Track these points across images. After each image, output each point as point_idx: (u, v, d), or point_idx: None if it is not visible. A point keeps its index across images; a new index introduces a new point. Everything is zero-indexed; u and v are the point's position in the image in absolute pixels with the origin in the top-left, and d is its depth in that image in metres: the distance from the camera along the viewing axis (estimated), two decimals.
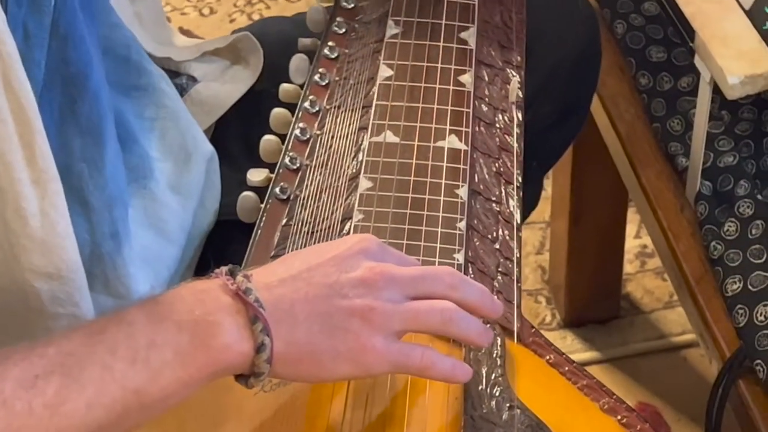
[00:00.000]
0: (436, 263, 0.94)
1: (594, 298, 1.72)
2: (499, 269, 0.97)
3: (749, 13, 1.15)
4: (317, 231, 0.98)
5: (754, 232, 1.21)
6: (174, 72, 1.11)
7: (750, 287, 1.17)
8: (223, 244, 1.07)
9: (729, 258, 1.20)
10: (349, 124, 1.05)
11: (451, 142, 1.02)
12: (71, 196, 0.84)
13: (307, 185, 1.02)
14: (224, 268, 0.82)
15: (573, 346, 1.70)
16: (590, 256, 1.67)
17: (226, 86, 1.13)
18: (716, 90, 1.16)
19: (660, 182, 1.29)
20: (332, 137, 1.05)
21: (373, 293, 0.82)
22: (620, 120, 1.35)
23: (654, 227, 1.29)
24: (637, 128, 1.33)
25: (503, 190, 1.02)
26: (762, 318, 1.15)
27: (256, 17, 2.14)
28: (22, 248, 0.82)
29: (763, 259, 1.18)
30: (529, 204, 1.26)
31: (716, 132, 1.27)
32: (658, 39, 1.36)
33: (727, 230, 1.22)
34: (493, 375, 0.89)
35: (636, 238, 1.81)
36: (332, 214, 0.99)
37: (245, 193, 1.03)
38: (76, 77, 0.87)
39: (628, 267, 1.77)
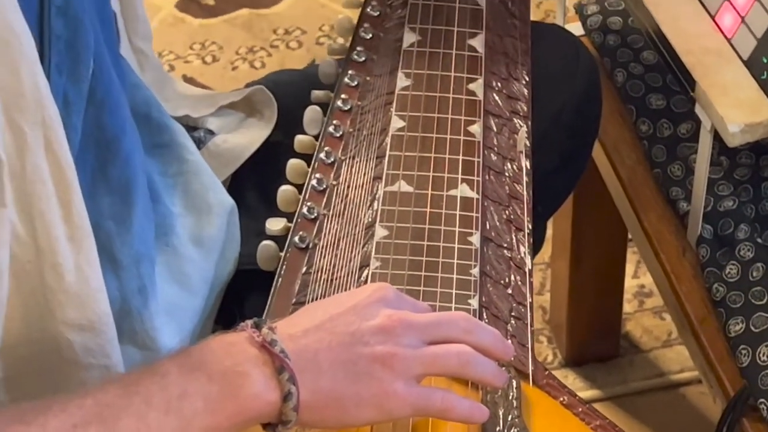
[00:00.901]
0: (452, 308, 0.97)
1: (594, 337, 1.75)
2: (513, 314, 1.00)
3: (747, 64, 1.18)
4: (336, 278, 1.02)
5: (755, 274, 1.24)
6: (191, 126, 1.15)
7: (752, 328, 1.20)
8: (241, 293, 1.10)
9: (731, 300, 1.23)
10: (364, 174, 1.09)
11: (463, 190, 1.06)
12: (101, 253, 0.87)
13: (325, 234, 1.05)
14: (249, 321, 0.85)
15: (574, 385, 1.73)
16: (590, 296, 1.70)
17: (242, 138, 1.16)
18: (715, 137, 1.20)
19: (662, 226, 1.32)
20: (348, 187, 1.08)
21: (393, 340, 0.86)
22: (622, 166, 1.38)
23: (657, 270, 1.32)
24: (638, 173, 1.37)
25: (514, 237, 1.05)
26: (765, 358, 1.18)
27: (257, 65, 2.17)
28: (57, 302, 0.84)
29: (765, 300, 1.22)
30: (534, 246, 1.29)
31: (716, 177, 1.31)
32: (658, 87, 1.39)
33: (729, 273, 1.25)
34: (510, 416, 0.92)
35: (634, 278, 1.85)
36: (350, 261, 1.02)
37: (265, 242, 1.06)
38: (110, 141, 0.91)
39: (627, 306, 1.80)
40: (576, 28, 1.46)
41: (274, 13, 2.27)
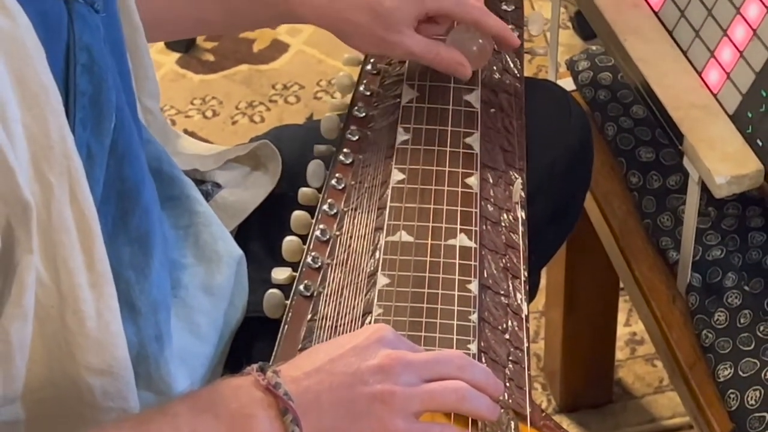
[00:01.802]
0: None
1: (588, 384, 1.78)
2: (510, 358, 1.03)
3: (733, 118, 1.22)
4: (340, 325, 1.05)
5: (742, 321, 1.27)
6: (198, 180, 1.19)
7: (740, 373, 1.24)
8: (248, 340, 1.13)
9: (720, 346, 1.27)
10: (366, 225, 1.13)
11: (461, 240, 1.10)
12: (120, 300, 0.90)
13: (329, 282, 1.09)
14: (255, 366, 0.90)
15: (569, 431, 1.76)
16: (584, 343, 1.74)
17: (248, 191, 1.20)
18: (703, 188, 1.23)
19: (653, 275, 1.36)
20: (351, 237, 1.12)
21: (392, 378, 0.90)
22: (613, 216, 1.42)
23: (648, 317, 1.36)
24: (629, 224, 1.41)
25: (511, 284, 1.09)
26: (753, 402, 1.21)
27: (257, 119, 2.22)
28: (78, 347, 0.88)
29: (752, 346, 1.25)
30: (528, 294, 1.33)
31: (704, 227, 1.35)
32: (647, 140, 1.43)
33: (717, 319, 1.29)
34: None
35: (626, 326, 1.89)
36: (353, 309, 1.06)
37: (271, 290, 1.10)
38: (130, 192, 0.95)
39: (619, 354, 1.84)
40: (567, 84, 1.50)
41: (272, 69, 2.32)
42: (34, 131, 0.82)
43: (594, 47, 1.54)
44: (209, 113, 2.24)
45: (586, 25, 2.27)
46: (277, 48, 2.35)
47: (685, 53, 1.28)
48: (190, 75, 2.29)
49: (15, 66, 0.81)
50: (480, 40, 1.22)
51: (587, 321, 1.72)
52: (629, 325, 1.89)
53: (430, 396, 0.91)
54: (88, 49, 0.88)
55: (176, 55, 2.33)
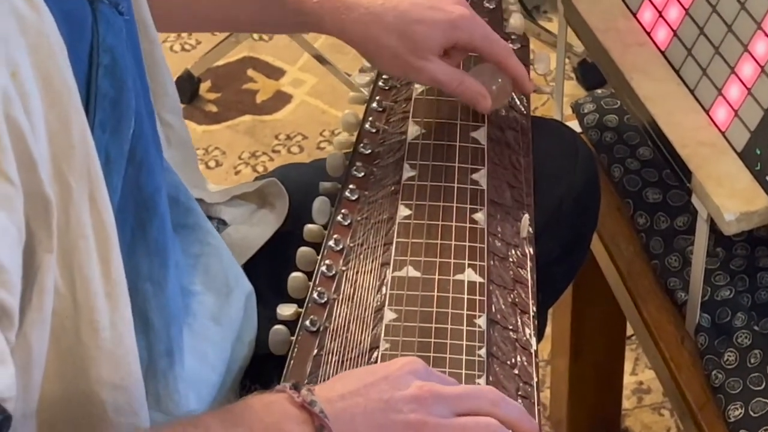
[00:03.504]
0: None
1: None
2: (519, 393, 1.02)
3: (742, 155, 1.22)
4: (347, 360, 1.04)
5: (752, 360, 1.26)
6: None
7: (751, 413, 1.23)
8: (256, 379, 1.12)
9: (730, 386, 1.26)
10: (372, 260, 1.12)
11: (469, 275, 1.09)
12: (134, 313, 0.89)
13: (335, 318, 1.08)
14: (287, 383, 0.89)
15: None
16: (590, 391, 1.72)
17: (254, 229, 1.19)
18: (712, 229, 1.23)
19: (661, 315, 1.35)
20: (357, 273, 1.11)
21: (425, 409, 0.89)
22: (620, 258, 1.41)
23: (656, 358, 1.35)
24: (636, 265, 1.40)
25: (519, 319, 1.08)
26: None
27: (260, 169, 2.22)
28: (91, 359, 0.86)
29: (763, 386, 1.24)
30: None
31: (713, 268, 1.34)
32: (654, 181, 1.43)
33: (727, 360, 1.28)
34: None
35: (632, 374, 1.87)
36: (360, 344, 1.05)
37: (276, 326, 1.09)
38: (147, 201, 0.94)
39: (626, 403, 1.82)
40: (573, 126, 1.50)
41: (275, 120, 2.32)
42: (56, 129, 0.81)
43: (599, 91, 1.54)
44: (212, 163, 2.24)
45: (589, 74, 2.29)
46: (281, 99, 2.36)
47: (692, 91, 1.28)
48: (193, 126, 2.29)
49: (40, 59, 0.80)
50: (500, 80, 1.22)
51: (593, 369, 1.70)
52: (636, 374, 1.87)
53: (462, 429, 0.90)
54: (111, 51, 0.87)
55: None
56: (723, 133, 1.24)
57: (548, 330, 1.74)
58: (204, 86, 2.37)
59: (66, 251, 0.83)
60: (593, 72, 2.23)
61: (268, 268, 1.19)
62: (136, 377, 0.90)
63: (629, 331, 1.63)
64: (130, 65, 0.90)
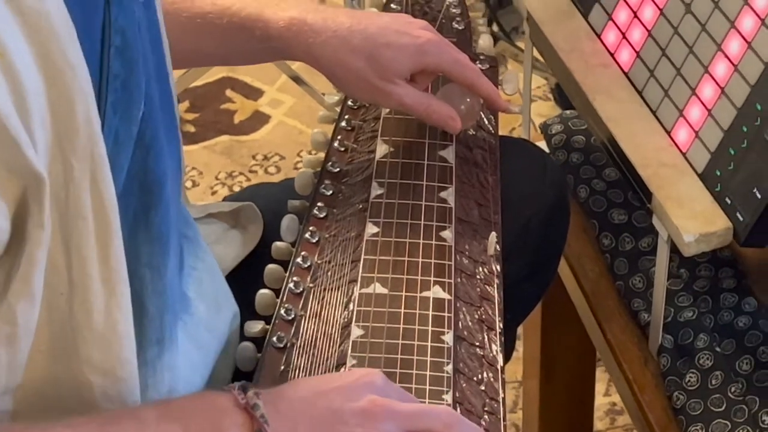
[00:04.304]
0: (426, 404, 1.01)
1: None
2: (486, 409, 1.03)
3: (702, 176, 1.23)
4: (314, 376, 1.05)
5: (713, 382, 1.27)
6: None
7: None
8: None
9: (691, 407, 1.26)
10: (340, 277, 1.13)
11: (436, 292, 1.10)
12: (131, 299, 0.89)
13: (302, 334, 1.09)
14: (237, 384, 0.89)
15: None
16: (561, 413, 1.72)
17: (225, 249, 1.20)
18: (675, 249, 1.23)
19: (624, 336, 1.36)
20: (324, 290, 1.12)
21: (372, 424, 0.89)
22: (585, 278, 1.42)
23: (620, 379, 1.36)
24: (601, 286, 1.41)
25: (486, 336, 1.09)
26: None
27: (236, 189, 2.23)
28: (82, 339, 0.86)
29: (723, 407, 1.25)
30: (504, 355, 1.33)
31: (676, 289, 1.35)
32: (619, 202, 1.44)
33: (689, 381, 1.28)
34: None
35: (605, 395, 1.88)
36: (327, 360, 1.06)
37: (244, 343, 1.10)
38: (153, 186, 0.93)
39: (599, 424, 1.83)
40: (541, 146, 1.51)
41: (253, 140, 2.34)
42: (59, 109, 0.81)
43: (568, 112, 1.55)
44: (189, 183, 2.25)
45: (566, 95, 2.29)
46: (258, 119, 2.37)
47: (654, 113, 1.30)
48: None
49: (38, 39, 0.79)
50: (468, 99, 1.24)
51: (565, 390, 1.71)
52: (609, 395, 1.89)
53: None
54: (122, 32, 0.87)
55: None
56: (684, 154, 1.25)
57: (520, 351, 1.75)
58: (182, 106, 2.38)
59: (65, 229, 0.83)
60: None
61: (235, 286, 1.20)
62: (129, 367, 0.89)
63: (596, 345, 1.64)
64: (142, 48, 0.90)
